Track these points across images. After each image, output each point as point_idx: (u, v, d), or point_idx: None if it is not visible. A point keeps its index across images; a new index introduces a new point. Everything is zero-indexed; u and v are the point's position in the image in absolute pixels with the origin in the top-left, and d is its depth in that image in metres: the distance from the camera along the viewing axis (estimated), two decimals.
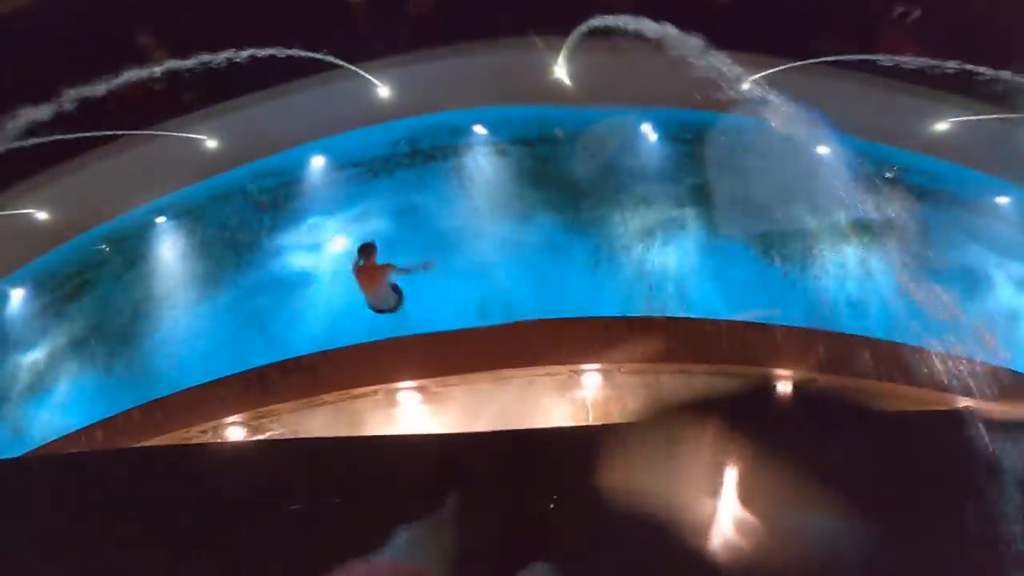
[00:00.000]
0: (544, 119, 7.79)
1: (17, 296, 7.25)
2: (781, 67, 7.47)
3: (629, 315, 5.39)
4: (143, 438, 4.80)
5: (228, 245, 7.20)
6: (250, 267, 6.97)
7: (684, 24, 7.65)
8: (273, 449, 2.94)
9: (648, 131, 7.63)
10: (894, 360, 4.27)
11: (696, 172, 7.16)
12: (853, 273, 6.71)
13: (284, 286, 6.79)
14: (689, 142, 7.44)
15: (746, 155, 6.92)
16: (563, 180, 7.24)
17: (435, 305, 6.14)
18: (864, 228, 7.03)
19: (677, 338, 4.05)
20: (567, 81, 7.65)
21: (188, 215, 7.59)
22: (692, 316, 5.10)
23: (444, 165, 7.69)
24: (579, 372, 4.50)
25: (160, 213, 7.68)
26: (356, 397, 4.92)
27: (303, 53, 6.90)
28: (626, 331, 4.35)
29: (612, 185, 7.10)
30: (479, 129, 7.92)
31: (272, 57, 7.19)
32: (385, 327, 5.77)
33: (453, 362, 4.64)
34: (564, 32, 7.32)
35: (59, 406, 6.37)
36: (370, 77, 7.70)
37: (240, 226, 7.34)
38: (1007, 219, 7.51)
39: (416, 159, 7.82)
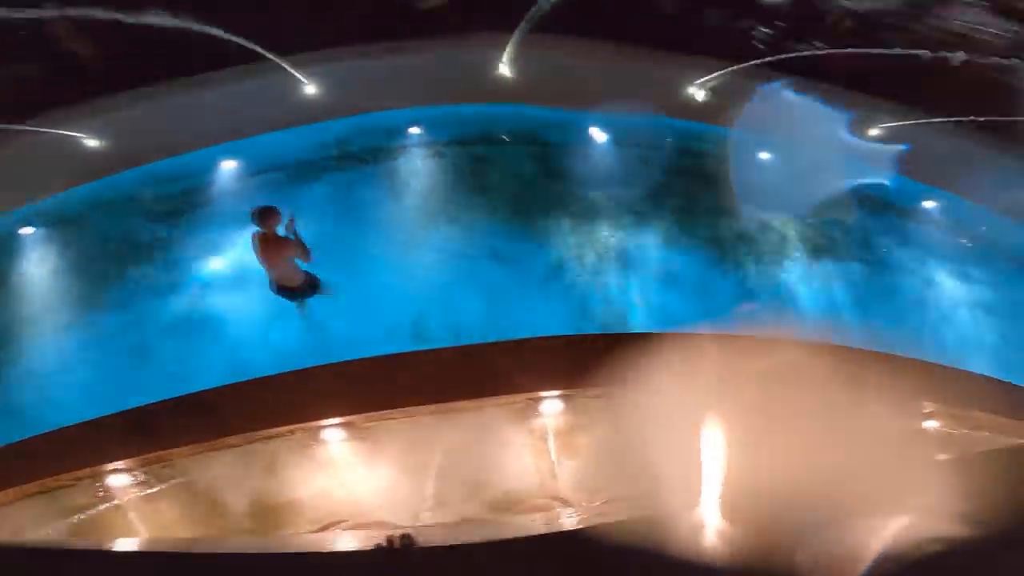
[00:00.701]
0: (486, 119, 7.24)
1: None
2: (726, 70, 7.45)
3: (591, 332, 4.91)
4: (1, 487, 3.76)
5: (112, 260, 6.07)
6: (139, 286, 5.89)
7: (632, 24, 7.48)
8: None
9: (596, 134, 7.26)
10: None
11: (647, 176, 6.85)
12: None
13: (181, 309, 5.79)
14: (637, 146, 7.14)
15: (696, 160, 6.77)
16: (508, 184, 6.69)
17: (365, 328, 5.38)
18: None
19: (647, 356, 3.54)
20: (510, 76, 7.21)
21: (62, 225, 6.37)
22: (662, 331, 4.65)
23: (376, 169, 7.00)
24: (538, 400, 3.89)
25: (27, 223, 6.43)
26: (269, 439, 4.09)
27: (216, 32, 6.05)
28: (590, 350, 3.82)
29: (560, 190, 6.63)
30: (414, 130, 7.27)
31: (177, 41, 6.27)
32: (302, 354, 4.93)
33: (388, 394, 3.91)
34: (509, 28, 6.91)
35: None
36: (295, 72, 6.93)
37: (127, 238, 6.22)
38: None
39: (345, 163, 7.05)
